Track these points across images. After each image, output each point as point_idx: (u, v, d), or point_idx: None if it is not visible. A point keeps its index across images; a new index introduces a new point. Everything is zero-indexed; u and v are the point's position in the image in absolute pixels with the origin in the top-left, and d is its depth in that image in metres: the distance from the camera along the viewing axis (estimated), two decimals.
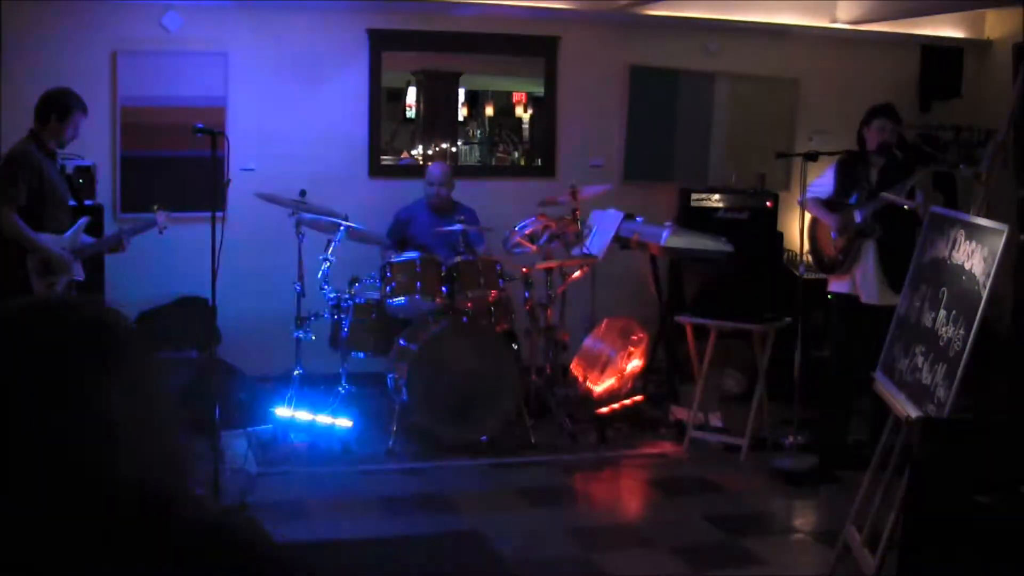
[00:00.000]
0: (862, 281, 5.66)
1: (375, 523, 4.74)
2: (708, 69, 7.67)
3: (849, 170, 5.81)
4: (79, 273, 5.26)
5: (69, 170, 5.85)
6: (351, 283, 5.98)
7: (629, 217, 6.64)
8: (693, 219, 7.15)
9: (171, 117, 6.47)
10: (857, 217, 5.60)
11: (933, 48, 7.93)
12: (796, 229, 6.13)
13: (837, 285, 5.85)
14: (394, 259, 5.93)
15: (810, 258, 6.05)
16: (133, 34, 6.49)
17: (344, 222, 5.83)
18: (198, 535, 1.16)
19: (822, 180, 5.92)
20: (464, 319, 5.87)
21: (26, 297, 1.21)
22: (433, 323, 5.82)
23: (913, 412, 3.76)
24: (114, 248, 5.47)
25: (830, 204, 5.83)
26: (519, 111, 7.63)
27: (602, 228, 6.57)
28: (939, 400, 3.65)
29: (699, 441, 5.98)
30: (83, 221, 5.29)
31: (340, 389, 5.81)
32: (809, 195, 5.84)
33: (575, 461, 5.74)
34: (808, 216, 5.87)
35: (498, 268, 6.01)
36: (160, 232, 5.55)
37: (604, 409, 6.20)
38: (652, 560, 4.51)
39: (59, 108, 5.13)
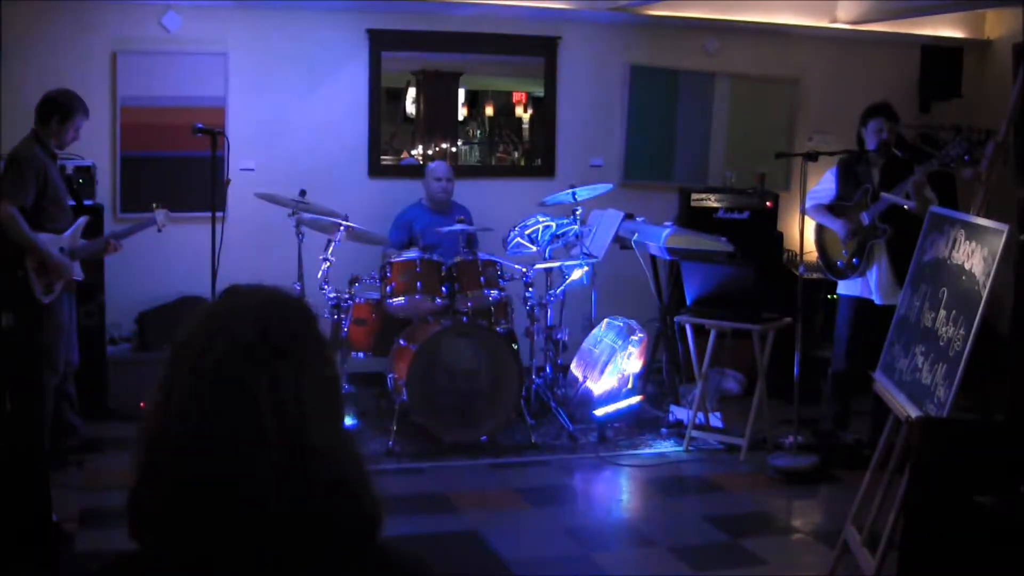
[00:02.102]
0: (877, 283, 5.64)
1: None
2: (708, 69, 7.66)
3: (850, 171, 5.79)
4: (78, 273, 5.26)
5: (69, 170, 5.85)
6: (351, 283, 5.98)
7: (629, 217, 6.64)
8: (693, 219, 7.15)
9: (171, 117, 6.47)
10: (865, 219, 5.59)
11: (933, 48, 7.92)
12: (796, 229, 6.13)
13: (847, 287, 5.83)
14: (394, 259, 5.93)
15: (820, 263, 6.04)
16: (133, 34, 6.49)
17: (344, 222, 5.83)
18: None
19: (823, 185, 5.91)
20: (464, 319, 5.87)
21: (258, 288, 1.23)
22: (433, 323, 5.82)
23: (913, 412, 3.76)
24: (105, 251, 5.46)
25: (833, 208, 5.82)
26: (519, 111, 7.63)
27: (602, 228, 6.57)
28: (939, 400, 3.65)
29: (699, 441, 5.98)
30: (81, 221, 5.28)
31: None
32: (811, 202, 5.81)
33: (575, 461, 5.75)
34: (813, 224, 5.86)
35: (498, 268, 6.01)
36: (159, 230, 5.55)
37: (604, 409, 6.20)
38: (652, 560, 4.52)
39: (61, 110, 5.12)
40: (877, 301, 5.65)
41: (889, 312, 5.51)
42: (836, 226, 5.74)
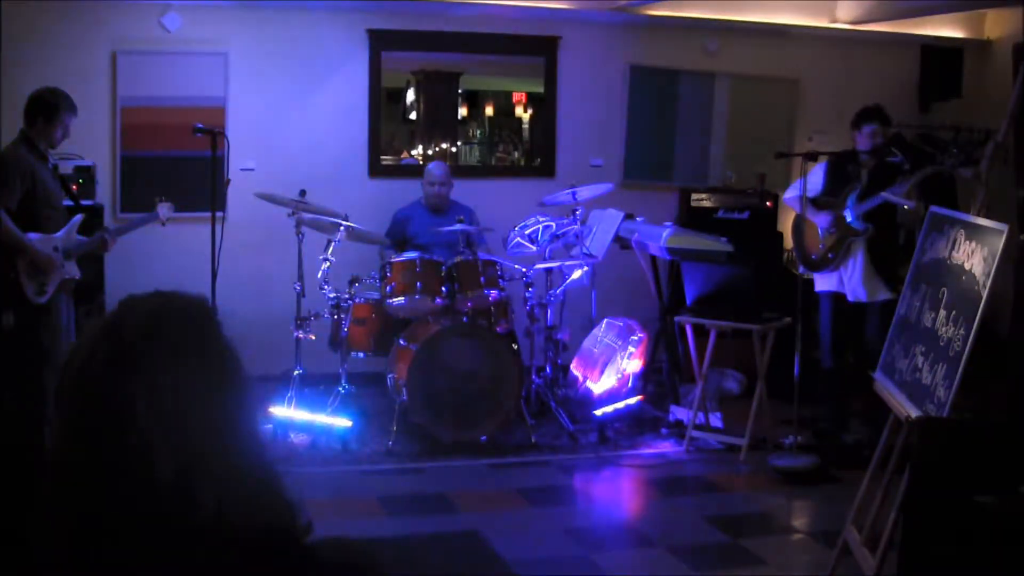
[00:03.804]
0: (848, 280, 5.71)
1: (375, 523, 4.74)
2: (708, 69, 7.66)
3: (840, 169, 5.84)
4: (74, 272, 5.22)
5: (68, 170, 5.83)
6: (351, 283, 5.97)
7: (629, 217, 6.64)
8: (693, 219, 7.15)
9: (171, 117, 6.47)
10: (849, 216, 5.64)
11: (933, 48, 7.93)
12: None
13: (823, 284, 5.89)
14: (394, 259, 5.93)
15: (795, 254, 6.10)
16: (133, 34, 6.49)
17: (344, 222, 5.83)
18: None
19: (810, 178, 5.94)
20: (464, 319, 5.87)
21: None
22: (433, 323, 5.82)
23: (913, 412, 3.76)
24: (100, 247, 5.43)
25: (817, 202, 5.87)
26: (519, 111, 7.63)
27: (602, 228, 6.57)
28: (939, 400, 3.64)
29: (699, 441, 5.98)
30: (76, 220, 5.25)
31: (340, 389, 5.81)
32: (795, 192, 5.88)
33: (575, 461, 5.74)
34: (792, 214, 5.91)
35: (498, 268, 6.01)
36: (163, 224, 5.54)
37: (604, 409, 6.20)
38: (652, 560, 4.52)
39: (46, 109, 5.06)
40: (849, 298, 5.71)
41: (861, 309, 5.61)
42: (819, 219, 5.79)
